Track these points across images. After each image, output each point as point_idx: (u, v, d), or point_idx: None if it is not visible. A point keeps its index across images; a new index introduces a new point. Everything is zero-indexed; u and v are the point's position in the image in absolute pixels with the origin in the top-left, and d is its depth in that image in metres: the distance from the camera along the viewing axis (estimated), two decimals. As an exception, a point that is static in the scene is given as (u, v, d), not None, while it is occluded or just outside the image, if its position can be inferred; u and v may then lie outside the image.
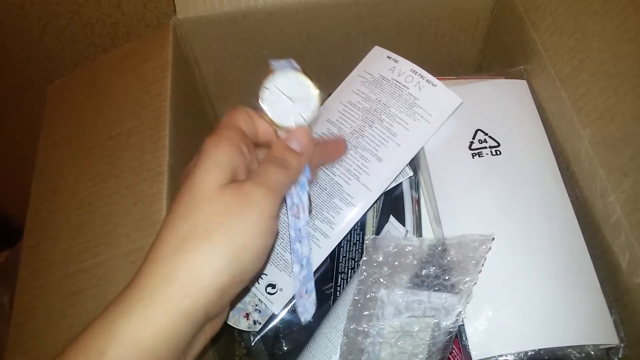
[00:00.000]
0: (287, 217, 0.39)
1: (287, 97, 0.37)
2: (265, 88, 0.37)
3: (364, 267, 0.38)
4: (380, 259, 0.37)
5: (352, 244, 0.49)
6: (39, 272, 0.44)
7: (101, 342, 0.29)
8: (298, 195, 0.38)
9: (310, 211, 0.39)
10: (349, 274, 0.48)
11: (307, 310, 0.40)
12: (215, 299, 0.31)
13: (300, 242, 0.39)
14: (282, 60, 0.38)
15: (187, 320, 0.30)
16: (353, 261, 0.49)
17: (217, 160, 0.33)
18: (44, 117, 0.55)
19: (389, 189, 0.47)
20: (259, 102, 0.37)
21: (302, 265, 0.39)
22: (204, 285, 0.30)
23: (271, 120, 0.37)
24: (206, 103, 0.61)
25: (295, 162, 0.36)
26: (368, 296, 0.38)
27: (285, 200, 0.38)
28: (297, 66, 0.38)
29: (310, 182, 0.39)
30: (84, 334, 0.29)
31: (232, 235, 0.31)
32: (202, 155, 0.34)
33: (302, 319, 0.40)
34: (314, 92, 0.37)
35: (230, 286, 0.32)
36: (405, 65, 0.46)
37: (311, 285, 0.39)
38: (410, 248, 0.38)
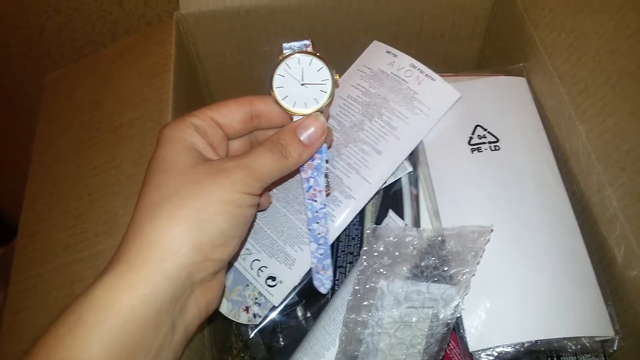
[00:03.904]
0: (304, 200, 0.39)
1: (300, 82, 0.36)
2: (277, 74, 0.36)
3: (364, 257, 0.38)
4: (381, 248, 0.38)
5: (350, 239, 0.50)
6: (35, 261, 0.44)
7: (79, 307, 0.29)
8: (315, 179, 0.38)
9: (328, 193, 0.39)
10: (347, 269, 0.48)
11: (323, 284, 0.41)
12: (195, 260, 0.31)
13: (317, 222, 0.39)
14: (296, 42, 0.36)
15: (167, 282, 0.30)
16: (351, 255, 0.49)
17: (180, 144, 0.34)
18: (40, 108, 0.55)
19: (388, 184, 0.47)
20: (271, 88, 0.36)
21: (319, 244, 0.39)
22: (178, 248, 0.31)
23: (283, 107, 0.36)
24: (207, 98, 0.61)
25: (297, 152, 0.35)
26: (368, 286, 0.38)
27: (302, 184, 0.38)
28: (311, 49, 0.36)
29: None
30: (66, 307, 0.30)
31: (204, 201, 0.32)
32: (163, 141, 0.34)
33: (320, 291, 0.41)
34: (329, 76, 0.36)
35: (209, 250, 0.32)
36: (405, 60, 0.47)
37: (328, 262, 0.40)
38: (410, 238, 0.38)
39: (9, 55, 0.84)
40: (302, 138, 0.36)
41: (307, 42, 0.36)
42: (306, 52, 0.36)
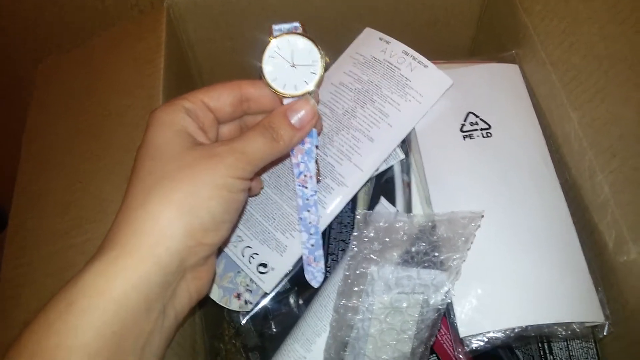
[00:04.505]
0: (295, 186, 0.38)
1: (290, 64, 0.36)
2: (267, 55, 0.36)
3: (354, 242, 0.38)
4: (371, 234, 0.38)
5: (342, 226, 0.50)
6: (26, 249, 0.44)
7: (70, 293, 0.29)
8: (305, 164, 0.37)
9: (318, 180, 0.38)
10: (339, 256, 0.48)
11: (315, 277, 0.40)
12: (187, 245, 0.31)
13: (308, 210, 0.39)
14: (286, 24, 0.36)
15: (159, 267, 0.30)
16: (343, 243, 0.49)
17: (171, 127, 0.34)
18: (33, 95, 0.54)
19: (380, 171, 0.47)
20: (261, 70, 0.36)
21: (310, 233, 0.39)
22: (170, 233, 0.31)
23: (273, 89, 0.36)
24: (199, 84, 0.61)
25: (288, 135, 0.35)
26: (358, 272, 0.38)
27: (293, 169, 0.38)
28: (301, 30, 0.36)
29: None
30: (57, 292, 0.30)
31: (196, 186, 0.32)
32: (154, 125, 0.34)
33: (312, 285, 0.40)
34: (318, 56, 0.36)
35: (201, 235, 0.32)
36: (397, 47, 0.47)
37: (320, 253, 0.39)
38: (401, 224, 0.38)
39: (3, 45, 0.84)
40: (292, 121, 0.35)
41: (297, 24, 0.36)
42: (296, 33, 0.36)
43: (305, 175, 0.38)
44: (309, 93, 0.36)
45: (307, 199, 0.39)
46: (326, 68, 0.36)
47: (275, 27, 0.36)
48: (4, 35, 0.81)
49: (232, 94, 0.37)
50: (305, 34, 0.36)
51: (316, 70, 0.36)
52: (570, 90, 0.43)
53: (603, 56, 0.42)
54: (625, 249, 0.38)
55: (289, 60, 0.36)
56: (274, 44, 0.36)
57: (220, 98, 0.36)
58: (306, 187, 0.38)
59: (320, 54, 0.36)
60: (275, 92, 0.36)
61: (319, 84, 0.36)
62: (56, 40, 0.83)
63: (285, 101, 0.36)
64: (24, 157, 0.50)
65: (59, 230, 0.44)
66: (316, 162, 0.38)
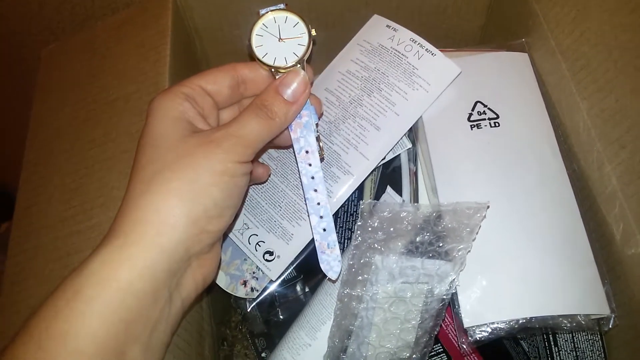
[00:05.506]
0: (297, 164, 0.38)
1: (278, 37, 0.37)
2: (255, 34, 0.37)
3: (359, 231, 0.38)
4: (376, 224, 0.37)
5: (349, 215, 0.50)
6: (31, 234, 0.44)
7: (77, 281, 0.29)
8: (305, 138, 0.37)
9: (322, 157, 0.38)
10: (345, 244, 0.48)
11: (331, 268, 0.38)
12: (192, 232, 0.31)
13: (315, 190, 0.37)
14: (271, 7, 0.38)
15: (164, 255, 0.30)
16: (349, 232, 0.49)
17: (170, 114, 0.34)
18: (37, 80, 0.54)
19: (386, 160, 0.47)
20: (250, 47, 0.37)
21: (320, 216, 0.37)
22: (174, 222, 0.31)
23: (264, 63, 0.36)
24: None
25: (282, 111, 0.35)
26: (362, 261, 0.38)
27: (293, 146, 0.38)
28: (285, 8, 0.38)
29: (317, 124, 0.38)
30: (63, 280, 0.30)
31: (196, 173, 0.32)
32: (154, 112, 0.34)
33: (328, 277, 0.38)
34: (305, 28, 0.37)
35: (205, 222, 0.32)
36: (405, 34, 0.46)
37: (333, 238, 0.37)
38: (405, 214, 0.38)
39: (8, 31, 0.83)
40: (285, 96, 0.35)
41: (282, 5, 0.38)
42: (280, 10, 0.37)
43: (307, 152, 0.37)
44: (299, 63, 0.37)
45: (312, 177, 0.37)
46: (314, 40, 0.37)
47: (262, 10, 0.38)
48: (8, 19, 0.81)
49: (227, 76, 0.37)
50: (289, 9, 0.37)
51: (304, 42, 0.37)
52: (580, 80, 0.43)
53: (613, 46, 0.42)
54: (633, 241, 0.37)
55: (277, 35, 0.37)
56: (260, 22, 0.37)
57: (216, 81, 0.36)
58: (310, 165, 0.37)
59: (307, 26, 0.37)
60: (267, 67, 0.37)
61: (306, 53, 0.37)
62: (61, 25, 0.82)
63: (278, 76, 0.37)
64: (29, 144, 0.50)
65: (64, 215, 0.44)
66: (318, 138, 0.38)
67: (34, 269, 0.42)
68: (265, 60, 0.36)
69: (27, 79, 0.86)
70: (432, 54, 0.45)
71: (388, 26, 0.47)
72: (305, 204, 0.39)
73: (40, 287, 0.41)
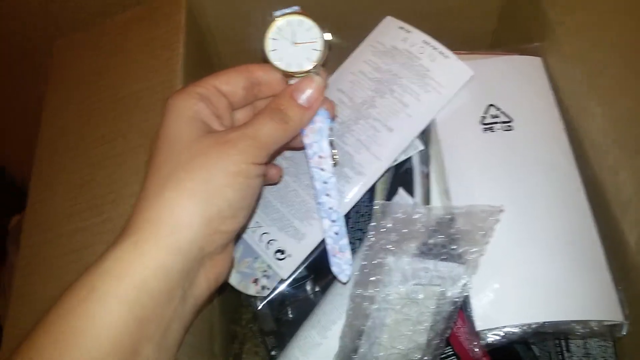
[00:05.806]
0: (310, 169, 0.38)
1: (292, 42, 0.36)
2: (270, 38, 0.36)
3: (372, 232, 0.38)
4: (389, 225, 0.37)
5: (360, 216, 0.49)
6: (42, 228, 0.44)
7: (92, 279, 0.29)
8: (318, 144, 0.37)
9: (335, 162, 0.38)
10: (357, 245, 0.48)
11: (342, 271, 0.38)
12: (205, 233, 0.31)
13: (327, 195, 0.38)
14: (286, 9, 0.37)
15: (178, 255, 0.30)
16: (361, 232, 0.49)
17: (185, 114, 0.33)
18: (50, 73, 0.54)
19: (399, 162, 0.47)
20: (264, 52, 0.36)
21: (332, 220, 0.38)
22: (188, 222, 0.31)
23: (278, 69, 0.36)
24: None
25: (297, 116, 0.35)
26: (375, 262, 0.38)
27: (306, 151, 0.37)
28: (300, 11, 0.37)
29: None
30: (78, 278, 0.30)
31: (210, 174, 0.31)
32: (169, 112, 0.34)
33: (339, 280, 0.38)
34: (319, 33, 0.36)
35: (219, 222, 0.32)
36: (418, 36, 0.46)
37: (345, 242, 0.38)
38: (419, 216, 0.37)
39: (15, 26, 0.83)
40: (300, 101, 0.35)
41: (296, 7, 0.37)
42: (295, 13, 0.37)
43: (320, 157, 0.37)
44: (314, 69, 0.36)
45: (325, 182, 0.38)
46: (330, 45, 0.37)
47: (276, 12, 0.37)
48: (18, 13, 0.81)
49: (242, 77, 0.37)
50: (304, 12, 0.37)
51: (318, 47, 0.36)
52: (594, 85, 0.43)
53: (628, 50, 0.42)
54: (648, 247, 0.37)
55: (291, 39, 0.37)
56: (275, 26, 0.37)
57: (231, 81, 0.36)
58: (322, 170, 0.37)
59: (321, 30, 0.37)
60: (281, 72, 0.37)
61: (321, 60, 0.36)
62: (70, 22, 0.82)
63: (292, 82, 0.36)
64: (40, 138, 0.50)
65: (71, 211, 0.44)
66: (331, 143, 0.38)
67: (44, 264, 0.42)
68: (279, 65, 0.36)
69: (37, 74, 0.86)
70: (445, 56, 0.45)
71: (401, 28, 0.47)
72: (318, 208, 0.39)
73: (50, 281, 0.41)
